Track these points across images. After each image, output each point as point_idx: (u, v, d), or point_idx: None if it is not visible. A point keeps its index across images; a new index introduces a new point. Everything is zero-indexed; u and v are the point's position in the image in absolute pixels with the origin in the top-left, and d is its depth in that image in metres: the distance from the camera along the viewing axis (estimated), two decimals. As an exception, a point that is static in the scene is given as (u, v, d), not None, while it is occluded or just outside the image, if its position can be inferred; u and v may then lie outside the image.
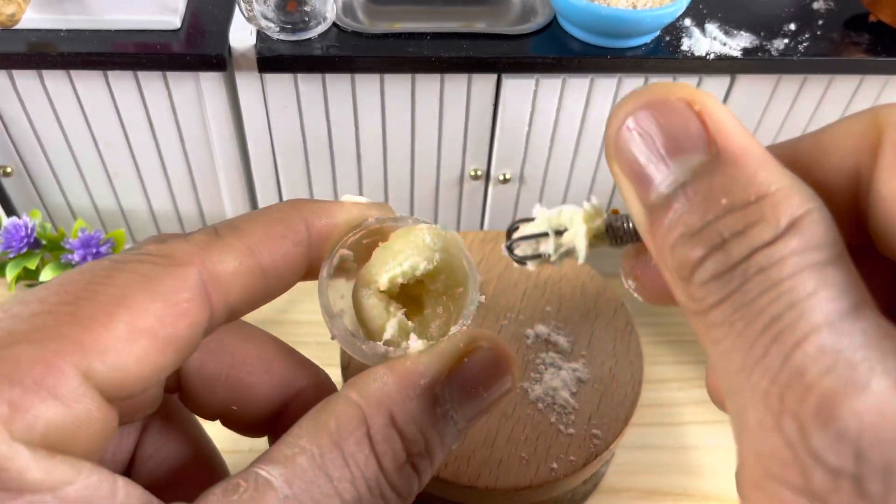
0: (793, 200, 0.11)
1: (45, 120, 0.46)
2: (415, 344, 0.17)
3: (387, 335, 0.17)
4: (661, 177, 0.13)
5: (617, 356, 0.42)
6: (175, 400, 0.20)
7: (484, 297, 0.22)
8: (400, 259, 0.17)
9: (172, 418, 0.19)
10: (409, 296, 0.18)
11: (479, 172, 0.51)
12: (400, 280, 0.18)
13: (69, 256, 0.48)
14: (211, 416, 0.19)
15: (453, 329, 0.18)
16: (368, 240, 0.19)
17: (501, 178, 0.51)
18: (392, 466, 0.15)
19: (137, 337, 0.13)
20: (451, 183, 0.52)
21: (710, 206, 0.12)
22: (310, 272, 0.18)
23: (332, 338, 0.18)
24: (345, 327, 0.18)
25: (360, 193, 0.53)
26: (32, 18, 0.42)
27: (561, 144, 0.50)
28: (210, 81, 0.45)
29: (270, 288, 0.16)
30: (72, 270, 0.14)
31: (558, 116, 0.48)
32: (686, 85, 0.14)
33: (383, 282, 0.17)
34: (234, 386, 0.19)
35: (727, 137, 0.12)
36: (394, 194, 0.53)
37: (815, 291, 0.11)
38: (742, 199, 0.12)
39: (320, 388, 0.20)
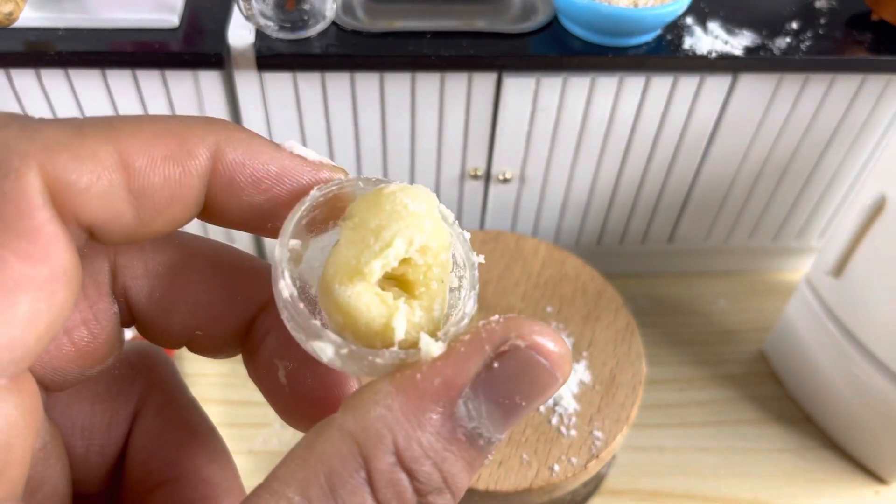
0: None
1: (42, 119, 0.46)
2: (428, 346, 0.13)
3: (398, 335, 0.13)
4: None
5: (618, 357, 0.42)
6: (171, 381, 0.18)
7: (483, 256, 0.16)
8: (386, 238, 0.13)
9: (168, 404, 0.17)
10: (390, 276, 0.14)
11: (479, 172, 0.51)
12: (393, 265, 0.14)
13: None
14: (174, 345, 0.16)
15: (460, 313, 0.14)
16: (319, 213, 0.14)
17: (501, 177, 0.51)
18: None
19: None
20: (451, 182, 0.52)
21: None
22: (207, 213, 0.14)
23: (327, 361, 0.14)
24: (341, 342, 0.13)
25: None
26: (30, 17, 0.42)
27: (562, 144, 0.49)
28: (208, 80, 0.44)
29: (146, 219, 0.13)
30: None
31: (559, 115, 0.48)
32: None
33: (375, 273, 0.13)
34: (193, 309, 0.16)
35: None
36: (393, 194, 0.53)
37: None
38: None
39: None
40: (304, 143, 0.49)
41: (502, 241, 0.47)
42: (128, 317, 0.16)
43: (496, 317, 0.13)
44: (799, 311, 0.50)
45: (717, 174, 0.53)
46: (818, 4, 0.49)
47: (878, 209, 0.41)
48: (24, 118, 0.12)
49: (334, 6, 0.44)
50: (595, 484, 0.45)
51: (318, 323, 0.13)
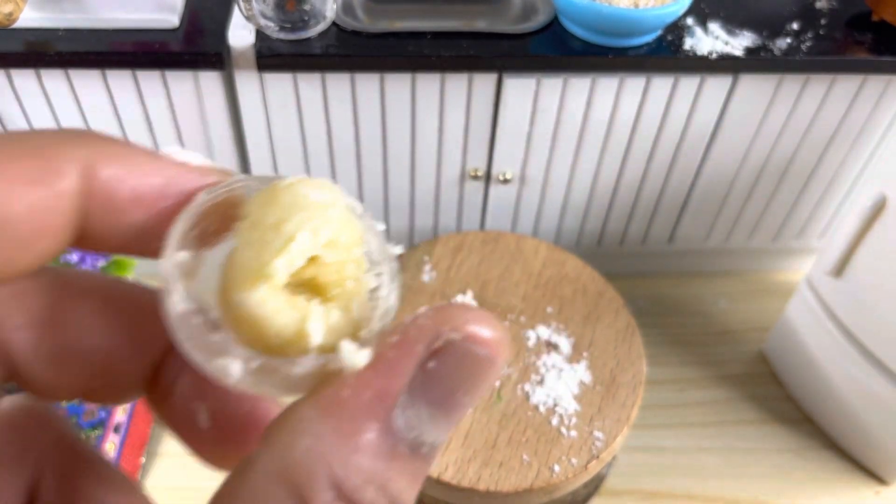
0: None
1: (42, 119, 0.46)
2: (350, 354, 0.11)
3: (314, 341, 0.11)
4: None
5: (618, 357, 0.42)
6: (70, 439, 0.15)
7: (401, 246, 0.13)
8: (288, 232, 0.11)
9: (74, 468, 0.15)
10: (297, 281, 0.12)
11: (479, 172, 0.51)
12: (299, 264, 0.12)
13: (67, 256, 0.48)
14: (66, 398, 0.14)
15: (382, 309, 0.12)
16: (212, 223, 0.13)
17: (502, 178, 0.51)
18: None
19: None
20: (451, 183, 0.52)
21: None
22: (83, 240, 0.12)
23: (234, 382, 0.12)
24: (250, 355, 0.11)
25: (360, 193, 0.53)
26: (30, 17, 0.42)
27: (562, 144, 0.49)
28: (209, 80, 0.44)
29: (9, 255, 0.11)
30: None
31: (559, 116, 0.48)
32: None
33: (279, 271, 0.11)
34: (88, 358, 0.14)
35: None
36: (393, 194, 0.53)
37: None
38: None
39: None
40: (304, 144, 0.49)
41: (502, 242, 0.47)
42: (7, 373, 0.13)
43: (423, 308, 0.11)
44: (799, 311, 0.50)
45: (718, 174, 0.53)
46: (818, 5, 0.49)
47: (878, 209, 0.41)
48: None
49: (334, 6, 0.44)
50: (595, 484, 0.45)
51: (219, 337, 0.11)
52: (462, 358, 0.11)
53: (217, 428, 0.14)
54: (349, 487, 0.10)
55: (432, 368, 0.10)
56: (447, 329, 0.11)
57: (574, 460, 0.37)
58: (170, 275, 0.12)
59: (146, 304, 0.14)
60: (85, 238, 0.12)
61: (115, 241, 0.12)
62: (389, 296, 0.13)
